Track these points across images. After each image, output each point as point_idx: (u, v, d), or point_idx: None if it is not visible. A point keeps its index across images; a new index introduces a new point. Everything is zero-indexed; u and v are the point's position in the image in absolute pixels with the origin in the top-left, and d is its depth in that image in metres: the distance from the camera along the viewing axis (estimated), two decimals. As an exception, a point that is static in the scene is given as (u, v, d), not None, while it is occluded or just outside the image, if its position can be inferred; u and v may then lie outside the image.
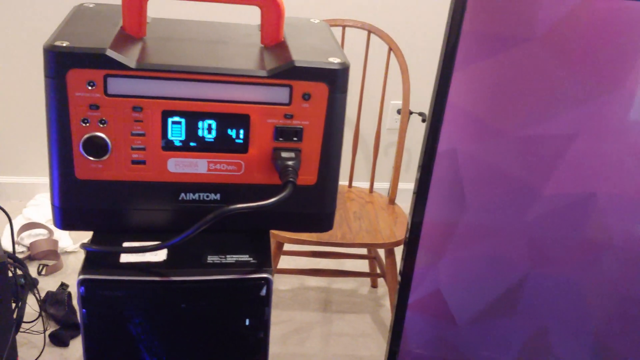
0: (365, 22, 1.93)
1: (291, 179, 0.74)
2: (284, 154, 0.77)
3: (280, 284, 2.19)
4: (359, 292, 2.19)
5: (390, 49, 1.92)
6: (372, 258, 2.13)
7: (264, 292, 0.76)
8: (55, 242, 2.14)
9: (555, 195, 0.91)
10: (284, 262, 2.26)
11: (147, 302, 0.74)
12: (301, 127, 0.77)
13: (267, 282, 0.75)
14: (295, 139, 0.77)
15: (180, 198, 0.78)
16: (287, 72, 0.74)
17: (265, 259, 0.77)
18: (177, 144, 0.75)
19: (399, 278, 0.97)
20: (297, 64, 0.74)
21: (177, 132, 0.75)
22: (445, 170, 0.90)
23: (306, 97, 0.75)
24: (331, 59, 0.76)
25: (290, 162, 0.76)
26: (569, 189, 0.91)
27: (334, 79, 0.75)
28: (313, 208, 0.82)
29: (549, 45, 0.83)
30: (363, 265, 2.34)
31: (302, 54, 0.76)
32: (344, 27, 1.92)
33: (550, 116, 0.87)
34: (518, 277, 0.97)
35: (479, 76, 0.85)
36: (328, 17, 2.34)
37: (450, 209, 0.92)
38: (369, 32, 1.93)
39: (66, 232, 2.24)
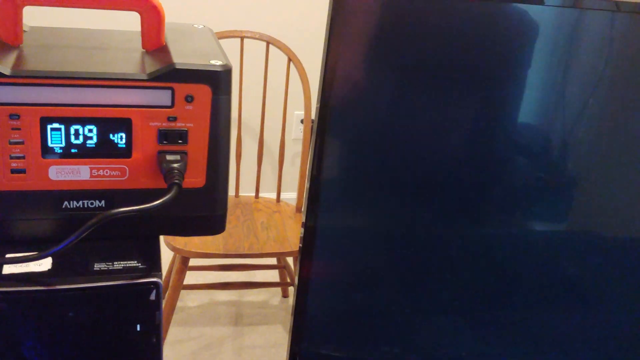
0: (263, 33, 1.95)
1: (176, 181, 0.74)
2: (169, 157, 0.76)
3: (188, 300, 2.16)
4: (270, 303, 2.19)
5: (289, 60, 1.94)
6: (282, 267, 2.14)
7: (153, 296, 0.75)
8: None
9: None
10: (191, 277, 2.23)
11: (32, 313, 0.72)
12: (186, 129, 0.77)
13: (157, 286, 0.75)
14: (180, 141, 0.77)
15: (63, 206, 0.77)
16: (168, 74, 0.74)
17: (154, 264, 0.77)
18: (58, 150, 0.74)
19: (296, 281, 0.99)
20: (178, 66, 0.74)
21: (56, 138, 0.73)
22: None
23: (189, 99, 0.75)
24: (213, 61, 0.76)
25: (175, 165, 0.76)
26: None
27: (217, 81, 0.76)
28: (203, 211, 0.82)
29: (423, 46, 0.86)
30: (274, 276, 2.34)
31: (183, 57, 0.76)
32: (242, 38, 1.94)
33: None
34: (411, 271, 0.99)
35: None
36: (226, 28, 2.35)
37: (342, 209, 0.94)
38: (268, 43, 1.94)
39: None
